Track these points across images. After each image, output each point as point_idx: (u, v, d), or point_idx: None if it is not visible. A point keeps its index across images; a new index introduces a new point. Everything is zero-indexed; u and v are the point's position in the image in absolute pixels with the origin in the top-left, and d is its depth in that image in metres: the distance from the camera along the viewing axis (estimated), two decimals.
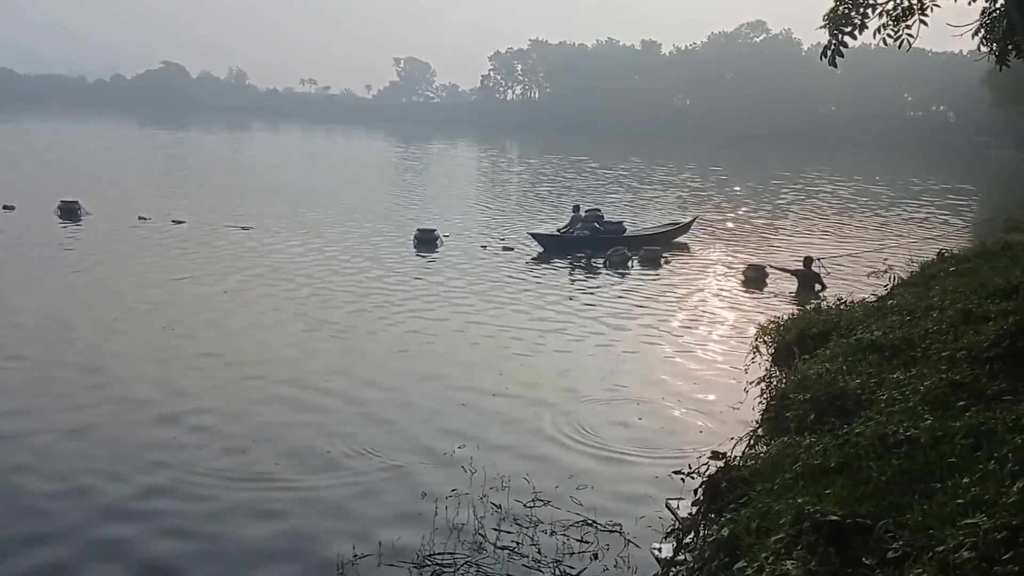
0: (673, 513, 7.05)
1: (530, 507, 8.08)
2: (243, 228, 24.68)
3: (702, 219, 30.08)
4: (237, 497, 8.16)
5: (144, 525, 7.56)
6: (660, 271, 21.25)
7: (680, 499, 7.31)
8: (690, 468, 6.77)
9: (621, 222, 25.47)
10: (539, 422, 10.35)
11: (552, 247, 23.32)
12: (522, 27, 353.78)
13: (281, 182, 41.97)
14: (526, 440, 9.79)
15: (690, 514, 6.23)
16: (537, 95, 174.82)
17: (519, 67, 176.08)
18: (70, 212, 25.47)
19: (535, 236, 24.24)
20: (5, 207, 26.14)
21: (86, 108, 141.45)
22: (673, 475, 8.31)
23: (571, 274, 20.67)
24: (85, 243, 21.61)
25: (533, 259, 22.18)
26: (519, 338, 14.12)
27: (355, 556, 7.14)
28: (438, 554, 7.19)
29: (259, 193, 35.89)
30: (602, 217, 25.09)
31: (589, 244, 22.98)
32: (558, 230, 24.68)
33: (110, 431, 9.65)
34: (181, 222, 25.29)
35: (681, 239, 26.09)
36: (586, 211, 25.26)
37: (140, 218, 25.49)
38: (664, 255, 22.61)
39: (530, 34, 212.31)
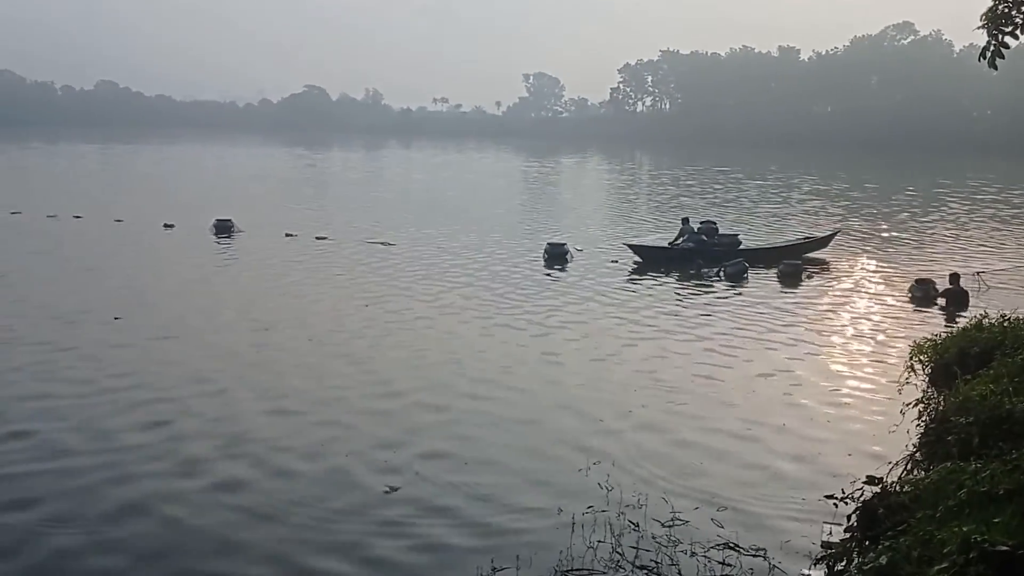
0: (824, 541, 6.74)
1: (668, 527, 7.91)
2: (383, 244, 25.49)
3: (855, 231, 28.68)
4: (376, 513, 8.27)
5: (303, 533, 7.86)
6: (800, 287, 20.46)
7: (830, 525, 6.98)
8: (843, 493, 6.44)
9: (736, 235, 24.71)
10: (676, 442, 10.14)
11: (651, 259, 23.10)
12: (652, 38, 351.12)
13: (416, 198, 43.17)
14: (663, 459, 9.60)
15: (842, 541, 5.94)
16: (668, 106, 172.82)
17: (649, 78, 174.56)
18: (224, 229, 27.02)
19: (632, 247, 24.12)
20: (166, 225, 28.03)
21: (236, 131, 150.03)
22: (824, 500, 7.94)
23: (694, 289, 20.11)
24: (237, 258, 22.82)
25: (656, 273, 21.75)
26: (655, 355, 13.89)
27: (493, 569, 7.18)
28: (575, 570, 7.14)
29: (396, 209, 36.96)
30: (716, 230, 24.50)
31: (696, 256, 22.48)
32: (669, 243, 24.28)
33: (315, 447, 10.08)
34: (324, 238, 26.38)
35: (820, 253, 24.91)
36: (700, 223, 24.84)
37: (287, 234, 26.75)
38: (807, 270, 21.79)
39: (660, 45, 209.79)
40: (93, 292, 18.04)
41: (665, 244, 24.23)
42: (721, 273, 21.10)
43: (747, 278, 20.79)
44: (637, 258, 23.34)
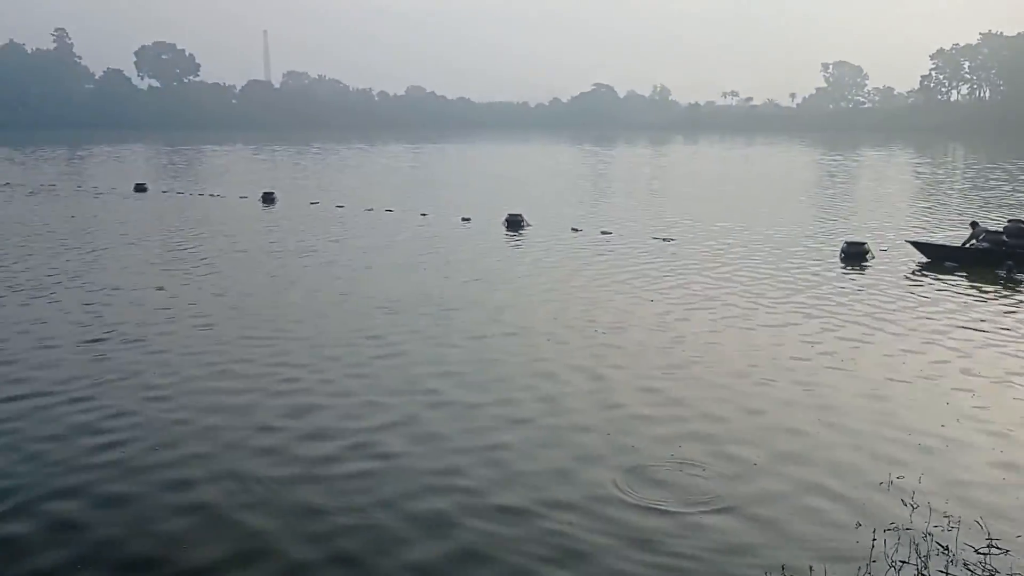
0: None
1: (983, 554, 7.12)
2: (664, 240, 25.35)
3: None
4: (619, 516, 8.19)
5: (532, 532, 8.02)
6: None
7: None
8: None
9: None
10: (993, 463, 9.08)
11: (938, 258, 21.30)
12: (968, 22, 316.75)
13: (701, 193, 42.39)
14: (976, 479, 8.64)
15: None
16: (987, 94, 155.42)
17: (966, 64, 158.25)
18: (515, 224, 28.33)
19: (916, 244, 22.42)
20: (464, 219, 29.95)
21: (529, 130, 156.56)
22: None
23: (1011, 295, 17.84)
24: (527, 252, 23.78)
25: (961, 276, 19.55)
26: (963, 369, 12.51)
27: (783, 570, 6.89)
28: None
29: (680, 204, 36.59)
30: None
31: (1006, 258, 20.02)
32: (963, 244, 21.75)
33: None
34: (608, 232, 26.75)
35: None
36: (1008, 221, 21.98)
37: (573, 229, 27.47)
38: None
39: (980, 28, 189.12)
40: (413, 284, 19.60)
41: (959, 245, 22.06)
42: None
43: None
44: (925, 258, 21.55)
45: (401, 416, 10.41)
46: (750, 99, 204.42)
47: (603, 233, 26.80)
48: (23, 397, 11.05)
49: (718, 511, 7.98)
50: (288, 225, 28.80)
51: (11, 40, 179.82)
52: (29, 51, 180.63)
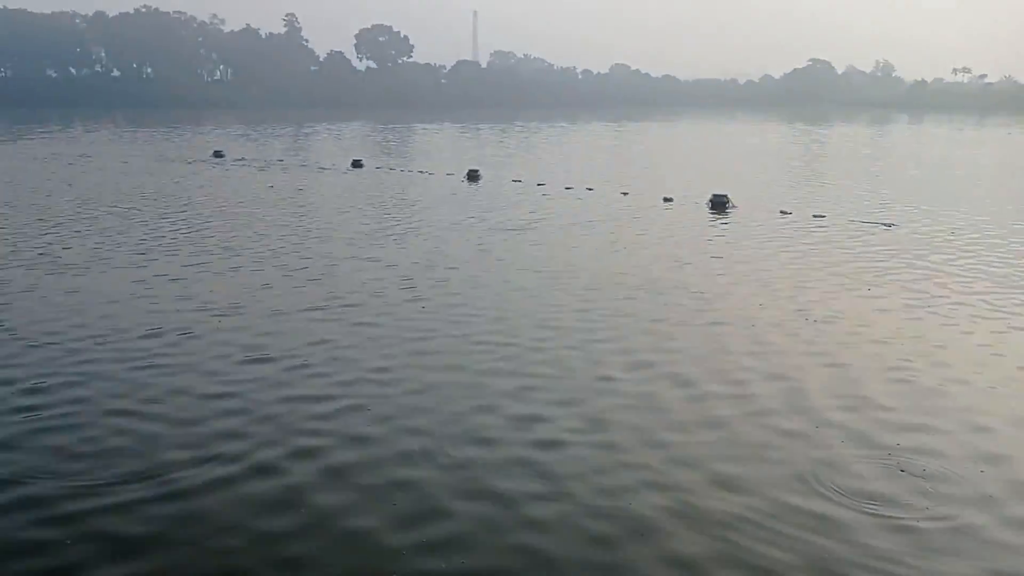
0: None
1: None
2: (885, 225, 23.69)
3: None
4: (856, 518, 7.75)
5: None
6: None
7: None
8: None
9: None
10: None
11: None
12: None
13: (927, 176, 39.25)
14: None
15: None
16: None
17: None
18: (719, 205, 27.48)
19: None
20: (666, 199, 29.40)
21: (736, 108, 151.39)
22: None
23: None
24: (732, 234, 22.97)
25: None
26: None
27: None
28: None
29: (902, 188, 34.03)
30: None
31: None
32: None
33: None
34: (822, 216, 25.36)
35: None
36: None
37: (781, 212, 26.27)
38: None
39: None
40: (615, 264, 19.52)
41: None
42: None
43: None
44: None
45: (631, 397, 10.38)
46: (983, 76, 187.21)
47: (815, 216, 25.45)
48: (265, 360, 11.93)
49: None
50: (491, 202, 29.45)
51: (247, 25, 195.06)
52: (263, 35, 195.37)
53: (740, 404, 10.17)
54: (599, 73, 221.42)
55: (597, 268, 18.05)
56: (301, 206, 28.43)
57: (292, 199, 30.16)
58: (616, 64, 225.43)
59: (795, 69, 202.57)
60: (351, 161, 44.71)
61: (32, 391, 10.48)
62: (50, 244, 20.54)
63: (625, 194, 31.19)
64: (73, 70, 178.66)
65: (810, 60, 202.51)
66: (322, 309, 14.56)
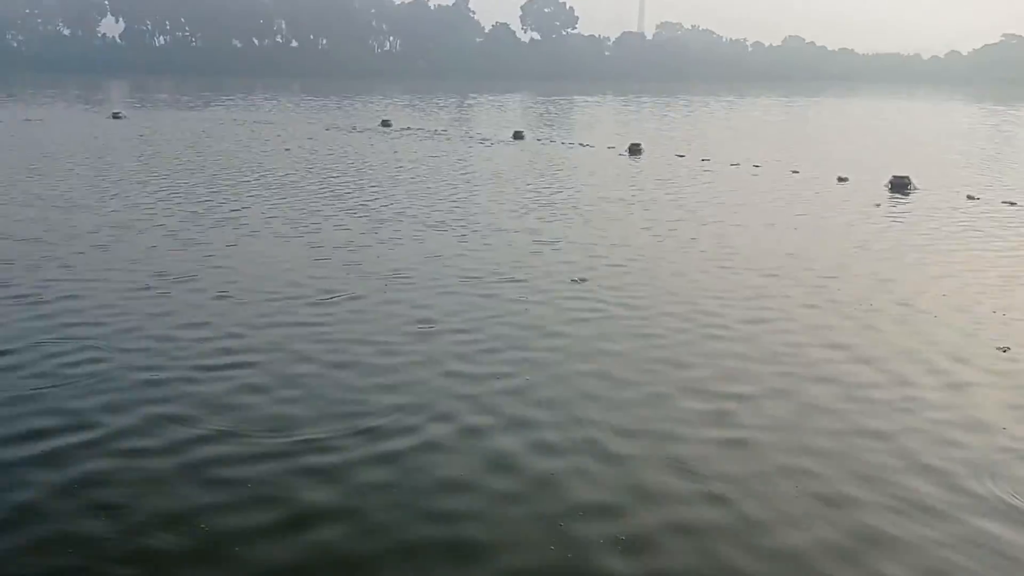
0: None
1: None
2: None
3: None
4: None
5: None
6: None
7: None
8: None
9: None
10: None
11: None
12: None
13: None
14: None
15: None
16: None
17: None
18: (900, 186, 25.81)
19: None
20: (840, 179, 27.87)
21: (919, 85, 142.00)
22: None
23: None
24: (914, 219, 21.47)
25: None
26: None
27: None
28: None
29: None
30: None
31: None
32: None
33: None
34: (1014, 204, 23.39)
35: None
36: None
37: (969, 197, 24.41)
38: None
39: None
40: (785, 246, 18.71)
41: None
42: None
43: None
44: None
45: (777, 386, 9.95)
46: None
47: (1007, 204, 23.45)
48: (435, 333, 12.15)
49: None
50: (653, 178, 28.80)
51: None
52: (432, 7, 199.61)
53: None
54: (771, 45, 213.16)
55: (766, 251, 17.30)
56: (463, 174, 28.83)
57: (453, 169, 30.63)
58: (790, 36, 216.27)
59: (985, 45, 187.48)
60: (512, 132, 45.00)
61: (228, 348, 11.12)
62: (232, 208, 21.80)
63: (795, 172, 29.80)
64: (256, 41, 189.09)
65: (1003, 35, 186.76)
66: (480, 280, 14.63)
